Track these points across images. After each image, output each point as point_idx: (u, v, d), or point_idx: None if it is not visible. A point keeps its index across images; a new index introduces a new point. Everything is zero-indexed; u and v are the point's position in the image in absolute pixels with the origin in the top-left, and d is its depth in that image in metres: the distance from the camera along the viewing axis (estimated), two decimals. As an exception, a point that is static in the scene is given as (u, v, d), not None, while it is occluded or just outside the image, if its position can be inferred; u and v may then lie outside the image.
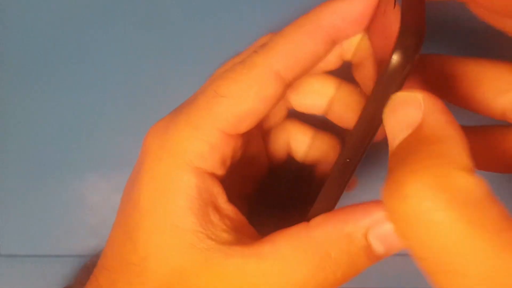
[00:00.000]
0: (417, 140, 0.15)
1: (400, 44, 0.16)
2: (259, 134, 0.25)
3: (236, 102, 0.20)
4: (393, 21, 0.16)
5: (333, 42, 0.20)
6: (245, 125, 0.21)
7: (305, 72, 0.21)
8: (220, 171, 0.21)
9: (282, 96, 0.21)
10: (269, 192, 0.27)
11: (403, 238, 0.15)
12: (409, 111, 0.16)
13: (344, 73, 0.23)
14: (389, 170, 0.15)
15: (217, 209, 0.20)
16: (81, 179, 0.30)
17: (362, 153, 0.19)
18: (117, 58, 0.30)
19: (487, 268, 0.13)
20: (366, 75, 0.20)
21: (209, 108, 0.20)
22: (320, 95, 0.24)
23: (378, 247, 0.18)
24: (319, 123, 0.26)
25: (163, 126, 0.21)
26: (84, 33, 0.30)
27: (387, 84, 0.16)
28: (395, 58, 0.16)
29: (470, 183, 0.14)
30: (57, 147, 0.30)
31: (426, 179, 0.14)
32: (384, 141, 0.18)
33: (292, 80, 0.21)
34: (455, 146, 0.14)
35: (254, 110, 0.20)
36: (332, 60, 0.22)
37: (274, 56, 0.20)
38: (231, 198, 0.21)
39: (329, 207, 0.20)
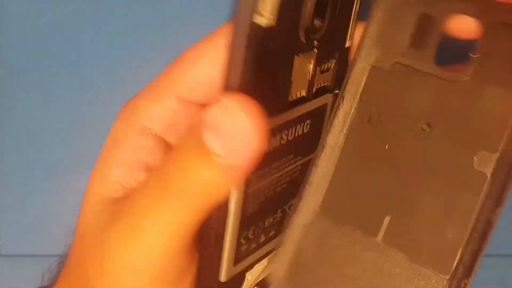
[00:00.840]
0: None
1: None
2: None
3: (192, 67, 0.21)
4: None
5: None
6: (200, 92, 0.21)
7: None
8: (168, 136, 0.22)
9: None
10: None
11: None
12: None
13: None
14: None
15: (149, 170, 0.21)
16: (81, 179, 0.30)
17: None
18: (117, 58, 0.30)
19: None
20: None
21: (168, 72, 0.21)
22: None
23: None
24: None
25: (135, 95, 0.22)
26: (85, 33, 0.30)
27: None
28: None
29: None
30: (57, 147, 0.30)
31: None
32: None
33: None
34: None
35: (209, 76, 0.21)
36: None
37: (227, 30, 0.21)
38: None
39: None
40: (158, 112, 0.21)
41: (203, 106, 0.22)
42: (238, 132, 0.17)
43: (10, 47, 0.31)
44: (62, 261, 0.30)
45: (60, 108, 0.30)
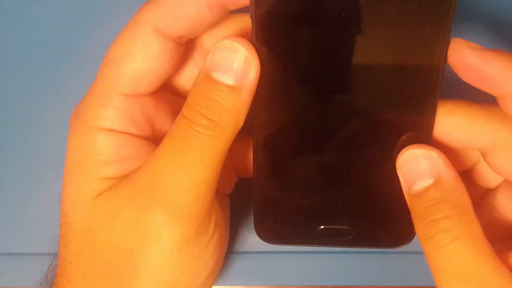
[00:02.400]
0: (438, 192, 0.21)
1: None
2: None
3: (126, 63, 0.21)
4: None
5: (222, 7, 0.21)
6: (144, 84, 0.22)
7: (192, 30, 0.22)
8: (135, 130, 0.22)
9: (175, 53, 0.22)
10: None
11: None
12: (424, 164, 0.21)
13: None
14: (414, 209, 0.21)
15: (138, 159, 0.22)
16: (80, 178, 0.30)
17: None
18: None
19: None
20: None
21: (105, 74, 0.22)
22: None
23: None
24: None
25: (79, 104, 0.23)
26: (84, 33, 0.30)
27: None
28: None
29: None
30: (58, 146, 0.29)
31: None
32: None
33: (178, 36, 0.22)
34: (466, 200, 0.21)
35: (146, 68, 0.21)
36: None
37: (153, 13, 0.21)
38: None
39: None
40: (112, 114, 0.22)
41: (152, 95, 0.23)
42: (236, 59, 0.21)
43: (10, 47, 0.31)
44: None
45: (61, 108, 0.30)
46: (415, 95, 0.22)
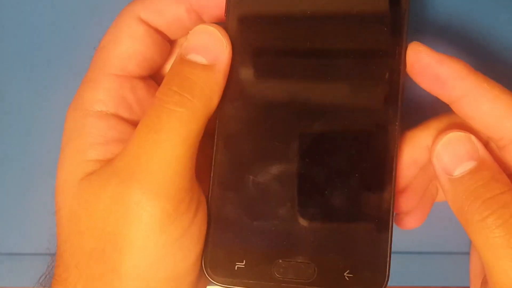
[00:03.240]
0: (482, 173, 0.21)
1: None
2: None
3: (114, 47, 0.23)
4: None
5: (196, 13, 0.23)
6: (133, 65, 0.23)
7: (171, 28, 0.24)
8: (126, 112, 0.23)
9: (160, 41, 0.24)
10: None
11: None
12: (465, 148, 0.22)
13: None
14: (462, 193, 0.21)
15: (124, 143, 0.22)
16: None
17: None
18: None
19: None
20: None
21: (96, 60, 0.23)
22: None
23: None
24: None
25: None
26: (85, 32, 0.30)
27: None
28: None
29: None
30: (57, 145, 0.29)
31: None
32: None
33: (158, 26, 0.23)
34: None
35: (133, 49, 0.23)
36: None
37: (138, 6, 0.23)
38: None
39: None
40: (103, 95, 0.23)
41: (143, 81, 0.24)
42: (210, 40, 0.22)
43: (11, 46, 0.31)
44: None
45: (61, 108, 0.30)
46: (378, 100, 0.22)
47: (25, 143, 0.31)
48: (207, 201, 0.23)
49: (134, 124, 0.23)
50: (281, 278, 0.22)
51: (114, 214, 0.20)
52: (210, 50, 0.22)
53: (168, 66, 0.25)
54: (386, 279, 0.22)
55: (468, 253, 0.28)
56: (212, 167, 0.23)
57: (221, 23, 0.23)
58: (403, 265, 0.30)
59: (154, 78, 0.25)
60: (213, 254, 0.22)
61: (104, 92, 0.22)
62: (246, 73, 0.23)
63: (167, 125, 0.20)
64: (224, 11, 0.23)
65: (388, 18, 0.22)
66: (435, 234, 0.30)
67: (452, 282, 0.30)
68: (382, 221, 0.22)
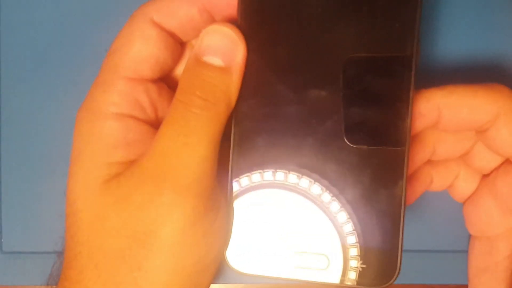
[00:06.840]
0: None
1: None
2: None
3: (127, 50, 0.23)
4: None
5: (208, 13, 0.23)
6: (146, 68, 0.23)
7: (184, 29, 0.24)
8: (140, 114, 0.23)
9: (172, 44, 0.24)
10: None
11: None
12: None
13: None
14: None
15: (144, 144, 0.23)
16: (83, 177, 0.30)
17: None
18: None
19: None
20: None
21: (108, 63, 0.23)
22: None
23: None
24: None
25: (85, 98, 0.24)
26: (87, 32, 0.31)
27: None
28: None
29: None
30: (59, 145, 0.30)
31: None
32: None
33: (171, 28, 0.23)
34: None
35: (146, 52, 0.23)
36: None
37: (149, 8, 0.23)
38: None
39: None
40: (117, 98, 0.23)
41: (155, 83, 0.24)
42: (225, 41, 0.22)
43: (11, 46, 0.31)
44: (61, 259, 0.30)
45: (61, 107, 0.30)
46: (390, 88, 0.22)
47: (29, 142, 0.31)
48: (228, 195, 0.24)
49: (150, 125, 0.24)
50: (299, 268, 0.23)
51: (147, 214, 0.21)
52: (226, 52, 0.22)
53: (179, 69, 0.25)
54: (397, 271, 0.22)
55: (466, 251, 0.29)
56: (230, 166, 0.24)
57: (233, 22, 0.23)
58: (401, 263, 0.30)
59: (164, 80, 0.25)
60: (236, 245, 0.24)
61: (118, 95, 0.23)
62: (260, 72, 0.23)
63: (195, 129, 0.21)
64: (236, 10, 0.23)
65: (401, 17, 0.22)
66: (433, 232, 0.30)
67: (449, 280, 0.30)
68: (394, 210, 0.22)
